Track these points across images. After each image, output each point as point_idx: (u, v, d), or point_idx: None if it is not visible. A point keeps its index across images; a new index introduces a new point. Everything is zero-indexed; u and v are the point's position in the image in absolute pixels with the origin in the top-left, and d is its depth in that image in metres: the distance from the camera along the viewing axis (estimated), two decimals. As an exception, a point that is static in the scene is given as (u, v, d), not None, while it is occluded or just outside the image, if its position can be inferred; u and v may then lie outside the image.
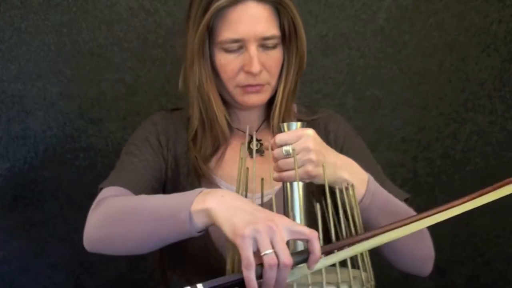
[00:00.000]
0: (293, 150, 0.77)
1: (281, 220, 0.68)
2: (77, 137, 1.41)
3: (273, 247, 0.65)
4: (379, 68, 1.38)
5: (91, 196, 1.44)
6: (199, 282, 0.83)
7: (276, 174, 0.79)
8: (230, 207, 0.69)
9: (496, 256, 1.46)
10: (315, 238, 0.67)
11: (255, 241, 0.65)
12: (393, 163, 1.41)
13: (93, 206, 0.89)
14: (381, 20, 1.35)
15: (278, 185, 0.94)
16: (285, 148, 0.78)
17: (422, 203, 1.41)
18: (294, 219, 0.77)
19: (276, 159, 0.79)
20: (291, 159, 0.77)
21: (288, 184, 0.79)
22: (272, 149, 0.80)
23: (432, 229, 1.42)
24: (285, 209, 0.79)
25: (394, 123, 1.40)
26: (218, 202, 0.70)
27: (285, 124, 0.80)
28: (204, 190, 0.75)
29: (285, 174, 0.78)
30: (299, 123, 0.80)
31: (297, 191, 0.78)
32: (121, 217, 0.80)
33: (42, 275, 1.47)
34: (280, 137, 0.79)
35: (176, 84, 1.38)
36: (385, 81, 1.38)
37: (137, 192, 0.91)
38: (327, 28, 1.36)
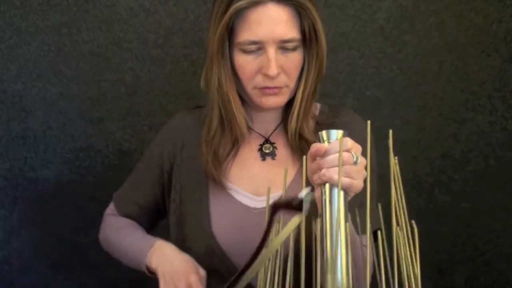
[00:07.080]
0: (357, 159, 0.72)
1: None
2: (77, 137, 1.41)
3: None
4: (379, 68, 1.38)
5: (91, 196, 1.45)
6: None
7: (331, 176, 0.70)
8: (164, 266, 0.94)
9: (496, 256, 1.46)
10: None
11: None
12: (393, 163, 1.41)
13: (104, 215, 1.12)
14: (381, 20, 1.35)
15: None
16: (355, 155, 0.72)
17: (422, 203, 1.41)
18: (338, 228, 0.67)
19: (345, 163, 0.71)
20: (358, 168, 0.72)
21: (329, 190, 0.70)
22: (320, 153, 0.72)
23: (432, 229, 1.44)
24: (323, 213, 0.69)
25: (394, 123, 1.40)
26: (158, 263, 0.95)
27: (324, 133, 0.73)
28: (155, 244, 0.97)
29: (347, 180, 0.71)
30: (340, 132, 0.72)
31: (341, 200, 0.69)
32: (109, 247, 1.08)
33: (42, 275, 1.47)
34: (349, 142, 0.73)
35: (176, 84, 1.40)
36: (385, 81, 1.38)
37: (128, 208, 1.09)
38: (327, 28, 1.34)
